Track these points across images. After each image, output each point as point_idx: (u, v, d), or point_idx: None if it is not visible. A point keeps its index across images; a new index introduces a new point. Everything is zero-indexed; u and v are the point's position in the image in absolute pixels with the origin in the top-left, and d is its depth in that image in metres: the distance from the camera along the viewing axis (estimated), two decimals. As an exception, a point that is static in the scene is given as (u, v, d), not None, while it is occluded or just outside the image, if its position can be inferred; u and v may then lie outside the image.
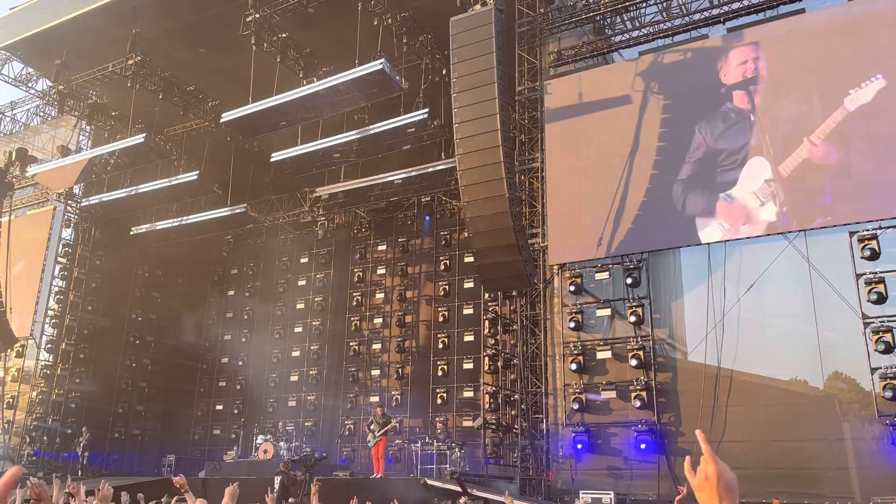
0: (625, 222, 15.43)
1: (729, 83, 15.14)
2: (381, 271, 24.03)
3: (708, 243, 14.65)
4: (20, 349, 22.75)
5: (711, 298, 14.52)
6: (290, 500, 11.61)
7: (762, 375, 14.44)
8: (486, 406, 17.78)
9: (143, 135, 19.61)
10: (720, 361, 14.36)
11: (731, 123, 14.91)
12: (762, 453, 13.58)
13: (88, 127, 24.17)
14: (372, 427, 16.45)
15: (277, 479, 14.49)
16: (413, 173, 19.90)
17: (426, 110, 17.21)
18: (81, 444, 19.84)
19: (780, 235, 14.16)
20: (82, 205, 23.94)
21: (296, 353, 24.42)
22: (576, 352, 15.57)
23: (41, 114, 26.29)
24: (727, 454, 13.70)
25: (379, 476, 15.69)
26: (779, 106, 14.56)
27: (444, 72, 18.22)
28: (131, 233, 23.81)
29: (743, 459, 13.39)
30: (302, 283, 25.26)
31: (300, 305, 24.98)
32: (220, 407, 25.42)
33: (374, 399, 22.38)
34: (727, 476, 1.63)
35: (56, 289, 23.50)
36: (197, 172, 20.74)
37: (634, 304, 15.33)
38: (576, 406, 15.07)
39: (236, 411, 24.69)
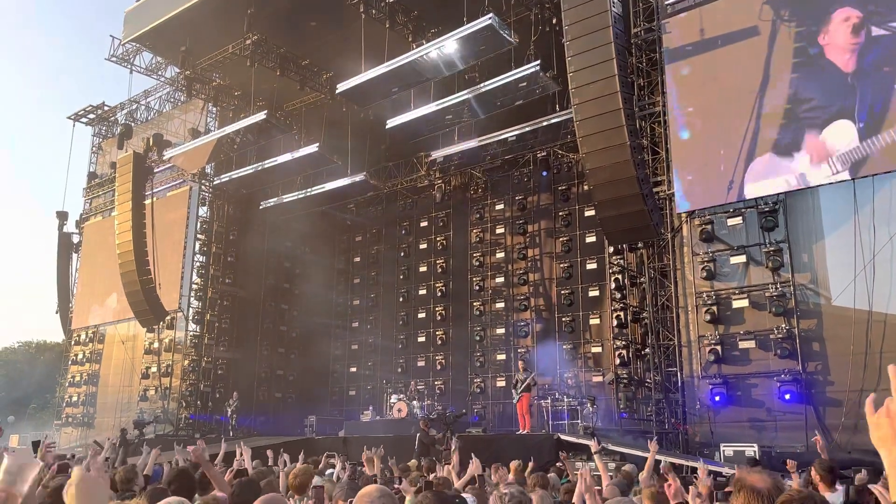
0: (757, 163, 14.52)
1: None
2: (499, 230, 23.93)
3: (853, 178, 13.52)
4: (170, 321, 24.64)
5: (859, 238, 13.47)
6: (429, 457, 11.93)
7: (922, 319, 13.33)
8: (617, 360, 17.49)
9: (265, 112, 20.32)
10: (871, 305, 13.36)
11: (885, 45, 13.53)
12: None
13: (214, 108, 25.41)
14: (516, 384, 16.60)
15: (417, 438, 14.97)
16: (527, 128, 19.59)
17: (538, 62, 16.75)
18: (231, 408, 21.26)
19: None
20: (215, 183, 25.37)
21: (421, 315, 24.93)
22: (709, 302, 14.95)
23: (172, 100, 27.93)
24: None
25: (524, 432, 15.84)
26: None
27: (554, 21, 17.64)
28: (260, 207, 25.03)
29: (900, 409, 12.46)
30: (423, 246, 25.65)
31: (423, 268, 25.41)
32: (353, 369, 26.50)
33: (501, 357, 22.57)
34: None
35: (197, 264, 25.18)
36: (317, 145, 21.31)
37: (772, 248, 14.50)
38: (712, 357, 14.53)
39: (368, 372, 25.66)
